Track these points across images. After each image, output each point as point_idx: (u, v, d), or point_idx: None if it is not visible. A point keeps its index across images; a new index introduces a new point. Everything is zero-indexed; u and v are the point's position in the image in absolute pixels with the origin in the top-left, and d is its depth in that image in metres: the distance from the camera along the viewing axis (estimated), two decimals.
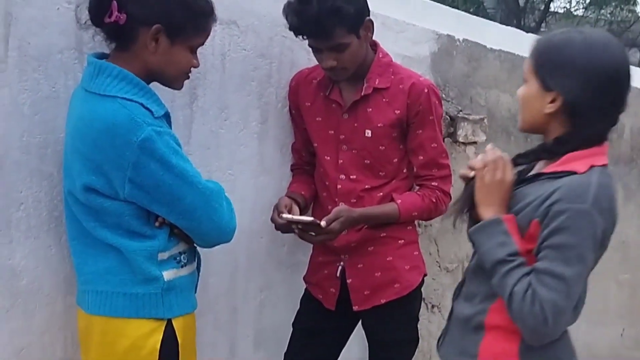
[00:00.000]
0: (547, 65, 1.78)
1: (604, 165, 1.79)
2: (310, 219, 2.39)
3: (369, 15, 2.38)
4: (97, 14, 1.87)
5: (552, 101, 1.78)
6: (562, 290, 1.71)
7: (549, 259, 1.71)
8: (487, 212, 1.83)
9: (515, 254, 1.77)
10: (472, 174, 1.88)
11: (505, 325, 1.83)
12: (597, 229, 1.72)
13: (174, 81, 2.01)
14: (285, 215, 2.42)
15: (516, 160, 1.90)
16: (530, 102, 1.83)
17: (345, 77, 2.44)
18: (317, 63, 2.50)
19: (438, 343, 2.07)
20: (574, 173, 1.75)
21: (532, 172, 1.89)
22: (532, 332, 1.75)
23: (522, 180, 1.88)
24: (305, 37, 2.38)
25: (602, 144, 1.83)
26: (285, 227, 2.49)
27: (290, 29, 2.37)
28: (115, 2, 1.84)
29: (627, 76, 1.78)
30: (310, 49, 2.42)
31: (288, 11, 2.34)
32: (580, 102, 1.75)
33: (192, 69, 2.01)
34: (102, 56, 1.95)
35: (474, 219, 1.88)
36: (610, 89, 1.76)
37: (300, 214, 2.50)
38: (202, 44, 2.01)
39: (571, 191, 1.71)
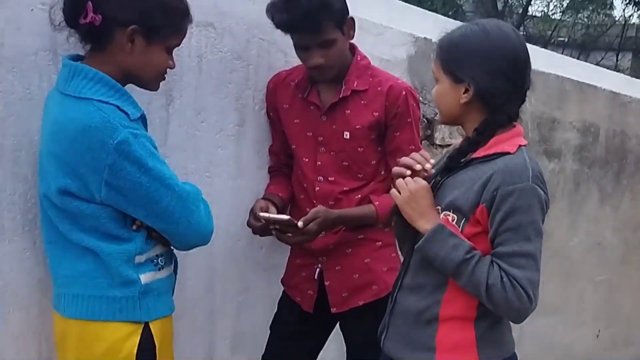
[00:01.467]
0: (452, 60, 1.91)
1: (525, 145, 1.92)
2: (287, 217, 2.38)
3: (348, 11, 2.40)
4: (72, 15, 1.86)
5: (465, 92, 1.89)
6: (532, 265, 1.82)
7: (512, 241, 1.82)
8: (423, 223, 1.91)
9: (470, 249, 1.85)
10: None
11: (460, 315, 1.92)
12: (542, 200, 1.84)
13: (150, 82, 2.00)
14: (262, 214, 2.42)
15: (448, 165, 1.97)
16: (446, 97, 1.94)
17: (330, 77, 2.44)
18: (294, 65, 2.51)
19: (380, 338, 2.09)
20: (507, 153, 1.87)
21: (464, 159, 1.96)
22: (518, 312, 1.85)
23: (452, 167, 1.96)
24: (293, 34, 2.37)
25: (516, 125, 1.95)
26: (262, 230, 2.49)
27: (278, 27, 2.36)
28: (90, 3, 1.83)
29: (525, 56, 1.91)
30: (287, 53, 2.42)
31: (274, 10, 2.33)
32: (489, 87, 1.87)
33: (168, 70, 2.01)
34: (76, 58, 1.94)
35: (404, 225, 1.97)
36: (514, 70, 1.88)
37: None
38: (178, 44, 2.00)
39: (511, 172, 1.82)
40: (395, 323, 2.04)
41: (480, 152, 1.91)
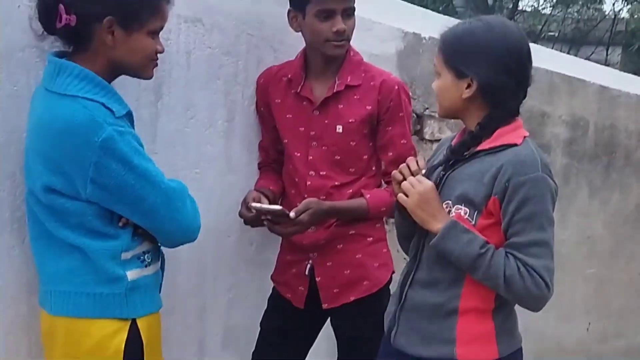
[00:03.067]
0: (457, 55, 1.92)
1: (528, 137, 1.95)
2: (279, 207, 2.39)
3: None
4: (47, 21, 1.86)
5: (468, 87, 1.90)
6: (547, 253, 1.87)
7: (527, 231, 1.85)
8: (435, 223, 1.92)
9: (485, 244, 1.87)
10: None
11: (479, 306, 1.94)
12: (552, 190, 1.88)
13: (142, 70, 1.98)
14: (254, 204, 2.41)
15: (450, 157, 1.99)
16: (448, 92, 1.95)
17: (342, 53, 2.46)
18: (284, 61, 2.50)
19: (390, 334, 2.08)
20: (513, 145, 1.89)
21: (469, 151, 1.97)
22: (537, 301, 1.90)
23: (456, 161, 1.98)
24: None
25: (518, 118, 1.97)
26: (254, 220, 2.48)
27: None
28: (61, 5, 1.82)
29: (528, 53, 1.93)
30: (277, 48, 2.42)
31: None
32: (492, 82, 1.89)
33: (158, 55, 1.99)
34: (62, 54, 1.93)
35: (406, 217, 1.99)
36: (517, 66, 1.90)
37: None
38: (161, 27, 1.98)
39: (522, 163, 1.85)
40: (408, 318, 2.04)
41: (486, 145, 1.93)
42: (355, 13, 2.46)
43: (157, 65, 2.02)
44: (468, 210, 1.90)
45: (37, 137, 1.86)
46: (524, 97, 1.98)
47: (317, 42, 2.44)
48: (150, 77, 2.04)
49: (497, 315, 1.95)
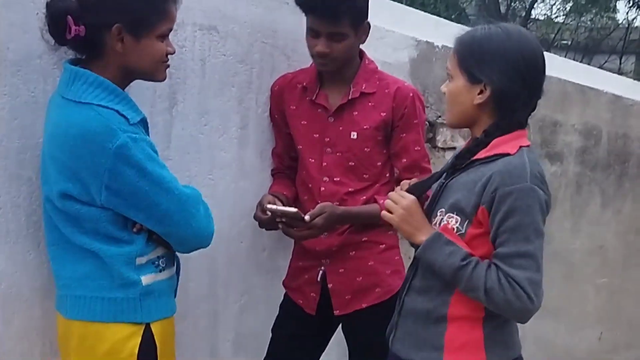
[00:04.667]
0: (472, 59, 1.91)
1: (528, 146, 1.92)
2: (294, 210, 2.39)
3: (367, 16, 2.43)
4: (58, 34, 1.88)
5: (480, 93, 1.89)
6: (531, 265, 1.83)
7: (511, 242, 1.83)
8: (419, 235, 1.94)
9: (467, 256, 1.87)
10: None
11: (468, 314, 1.93)
12: (541, 201, 1.85)
13: (154, 73, 1.99)
14: (270, 206, 2.42)
15: (455, 163, 1.99)
16: (459, 96, 1.94)
17: (331, 69, 2.46)
18: (297, 68, 2.51)
19: (388, 338, 2.11)
20: (507, 154, 1.87)
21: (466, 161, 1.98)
22: (520, 313, 1.86)
23: (458, 167, 1.98)
24: (309, 15, 2.39)
25: (523, 130, 1.95)
26: (269, 223, 2.49)
27: (298, 3, 2.39)
28: (69, 17, 1.84)
29: (543, 64, 1.93)
30: (290, 56, 2.43)
31: None
32: (507, 89, 1.88)
33: (169, 57, 2.00)
34: (78, 61, 1.95)
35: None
36: (531, 75, 1.89)
37: None
38: (170, 29, 1.98)
39: (510, 173, 1.84)
40: (404, 323, 2.06)
41: (481, 154, 1.92)
42: (369, 21, 2.47)
43: (168, 66, 2.02)
44: (459, 219, 1.90)
45: (53, 144, 1.88)
46: (534, 109, 1.97)
47: (311, 55, 2.47)
48: (163, 79, 2.05)
49: (488, 323, 1.94)
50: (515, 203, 1.81)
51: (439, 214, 1.95)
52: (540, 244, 1.85)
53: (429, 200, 2.05)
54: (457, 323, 1.94)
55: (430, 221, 1.97)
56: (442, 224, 1.92)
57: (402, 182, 2.08)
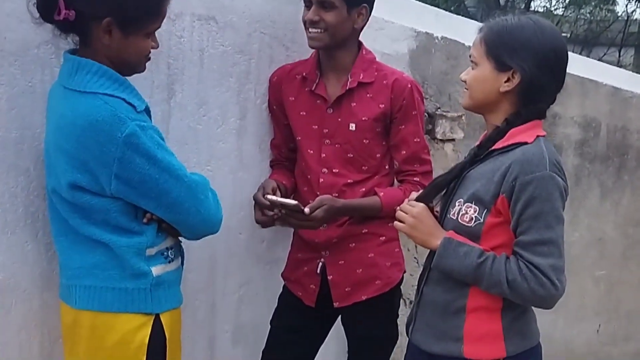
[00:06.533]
0: (503, 47, 1.91)
1: (544, 136, 1.95)
2: (294, 202, 2.39)
3: (368, 5, 2.44)
4: (46, 11, 1.85)
5: (507, 80, 1.91)
6: (554, 252, 1.85)
7: (534, 229, 1.85)
8: (433, 240, 1.96)
9: (482, 253, 1.89)
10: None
11: (487, 305, 1.95)
12: (561, 188, 1.87)
13: (135, 67, 1.98)
14: (270, 197, 2.42)
15: (477, 152, 2.00)
16: (484, 83, 1.95)
17: (320, 45, 2.44)
18: (296, 59, 2.49)
19: (407, 329, 2.11)
20: (524, 143, 1.89)
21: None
22: (545, 300, 1.88)
23: (479, 156, 1.99)
24: None
25: (539, 120, 1.98)
26: (267, 207, 2.45)
27: None
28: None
29: (567, 60, 1.96)
30: (289, 47, 2.42)
31: None
32: (536, 79, 1.90)
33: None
34: (74, 51, 1.93)
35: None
36: (560, 69, 1.94)
37: None
38: (159, 27, 1.97)
39: (529, 162, 1.85)
40: (422, 314, 2.07)
41: (499, 144, 1.94)
42: (368, 7, 2.46)
43: (149, 59, 2.00)
44: (477, 209, 1.91)
45: (60, 135, 1.87)
46: (553, 101, 1.99)
47: (305, 30, 2.46)
48: (142, 71, 2.02)
49: (506, 314, 1.95)
50: (535, 191, 1.83)
51: (457, 204, 1.95)
52: (561, 230, 1.88)
53: (446, 191, 2.05)
54: (476, 314, 1.96)
55: (448, 211, 1.98)
56: (460, 214, 1.93)
57: (411, 194, 2.10)
